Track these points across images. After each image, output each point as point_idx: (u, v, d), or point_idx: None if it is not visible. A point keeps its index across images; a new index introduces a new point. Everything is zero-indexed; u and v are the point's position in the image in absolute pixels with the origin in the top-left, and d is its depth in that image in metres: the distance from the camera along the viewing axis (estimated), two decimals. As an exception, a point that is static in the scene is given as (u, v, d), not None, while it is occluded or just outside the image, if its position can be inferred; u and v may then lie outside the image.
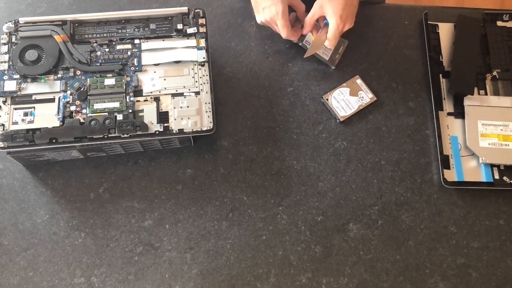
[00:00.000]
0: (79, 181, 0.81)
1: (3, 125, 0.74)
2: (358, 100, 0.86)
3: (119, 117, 0.76)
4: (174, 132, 0.76)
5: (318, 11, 0.83)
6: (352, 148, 0.84)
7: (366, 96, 0.87)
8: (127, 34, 0.82)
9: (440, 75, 0.89)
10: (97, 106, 0.76)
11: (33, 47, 0.79)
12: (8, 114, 0.75)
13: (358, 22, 0.94)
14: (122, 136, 0.75)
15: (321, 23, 0.86)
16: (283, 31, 0.84)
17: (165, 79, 0.79)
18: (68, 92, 0.77)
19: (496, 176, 0.82)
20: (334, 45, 0.84)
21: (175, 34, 0.82)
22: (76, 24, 0.81)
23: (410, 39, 0.93)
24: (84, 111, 0.76)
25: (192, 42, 0.82)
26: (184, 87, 0.79)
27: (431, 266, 0.77)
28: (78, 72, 0.78)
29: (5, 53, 0.79)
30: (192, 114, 0.77)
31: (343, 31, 0.83)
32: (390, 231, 0.79)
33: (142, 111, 0.77)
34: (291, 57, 0.90)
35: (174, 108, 0.78)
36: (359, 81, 0.88)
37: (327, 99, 0.86)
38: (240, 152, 0.84)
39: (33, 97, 0.77)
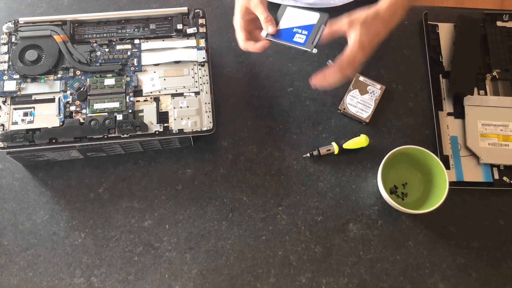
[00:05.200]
0: (79, 181, 0.81)
1: (3, 125, 0.74)
2: (371, 96, 0.86)
3: (119, 117, 0.76)
4: (174, 132, 0.76)
5: (345, 25, 0.70)
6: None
7: (376, 89, 0.87)
8: (127, 34, 0.82)
9: (440, 75, 0.89)
10: (97, 106, 0.76)
11: (33, 47, 0.79)
12: (8, 114, 0.75)
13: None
14: (122, 136, 0.75)
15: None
16: (238, 41, 0.75)
17: (165, 79, 0.79)
18: (68, 92, 0.77)
19: (496, 176, 0.82)
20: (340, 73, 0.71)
21: (175, 34, 0.82)
22: (76, 24, 0.81)
23: (410, 39, 0.93)
24: (84, 111, 0.76)
25: (192, 42, 0.82)
26: (184, 87, 0.79)
27: (431, 266, 0.77)
28: (78, 72, 0.78)
29: (5, 53, 0.79)
30: (192, 114, 0.77)
31: (355, 63, 0.71)
32: (390, 231, 0.79)
33: (142, 111, 0.77)
34: (291, 57, 0.90)
35: (174, 108, 0.78)
36: (361, 78, 0.88)
37: (344, 108, 0.86)
38: (240, 152, 0.84)
39: (33, 97, 0.77)
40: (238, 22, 0.75)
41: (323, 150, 0.83)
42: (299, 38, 0.73)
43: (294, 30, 0.74)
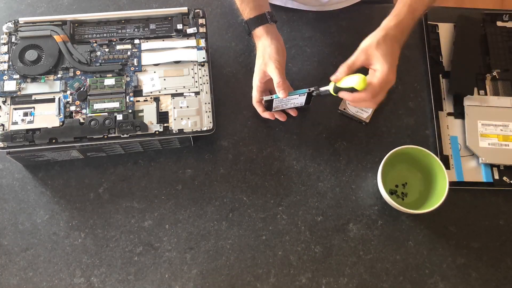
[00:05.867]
0: (79, 181, 0.81)
1: (3, 125, 0.74)
2: None
3: (119, 117, 0.76)
4: (174, 132, 0.76)
5: (361, 56, 0.71)
6: (352, 148, 0.84)
7: None
8: (127, 34, 0.82)
9: (440, 75, 0.89)
10: (97, 106, 0.76)
11: (33, 47, 0.79)
12: (8, 114, 0.75)
13: (358, 22, 0.94)
14: (122, 136, 0.75)
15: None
16: (252, 99, 0.82)
17: (165, 79, 0.79)
18: (68, 92, 0.77)
19: (496, 176, 0.82)
20: (376, 96, 0.71)
21: (175, 34, 0.82)
22: (76, 24, 0.81)
23: (410, 39, 0.92)
24: (84, 111, 0.76)
25: (192, 42, 0.82)
26: (184, 87, 0.79)
27: (431, 266, 0.77)
28: (78, 72, 0.78)
29: (5, 53, 0.79)
30: (192, 114, 0.77)
31: (387, 86, 0.71)
32: (390, 231, 0.79)
33: (142, 111, 0.77)
34: (291, 57, 0.90)
35: (174, 108, 0.78)
36: None
37: (344, 109, 0.86)
38: (240, 152, 0.84)
39: (33, 97, 0.77)
40: (255, 83, 0.81)
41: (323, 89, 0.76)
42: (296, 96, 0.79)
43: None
